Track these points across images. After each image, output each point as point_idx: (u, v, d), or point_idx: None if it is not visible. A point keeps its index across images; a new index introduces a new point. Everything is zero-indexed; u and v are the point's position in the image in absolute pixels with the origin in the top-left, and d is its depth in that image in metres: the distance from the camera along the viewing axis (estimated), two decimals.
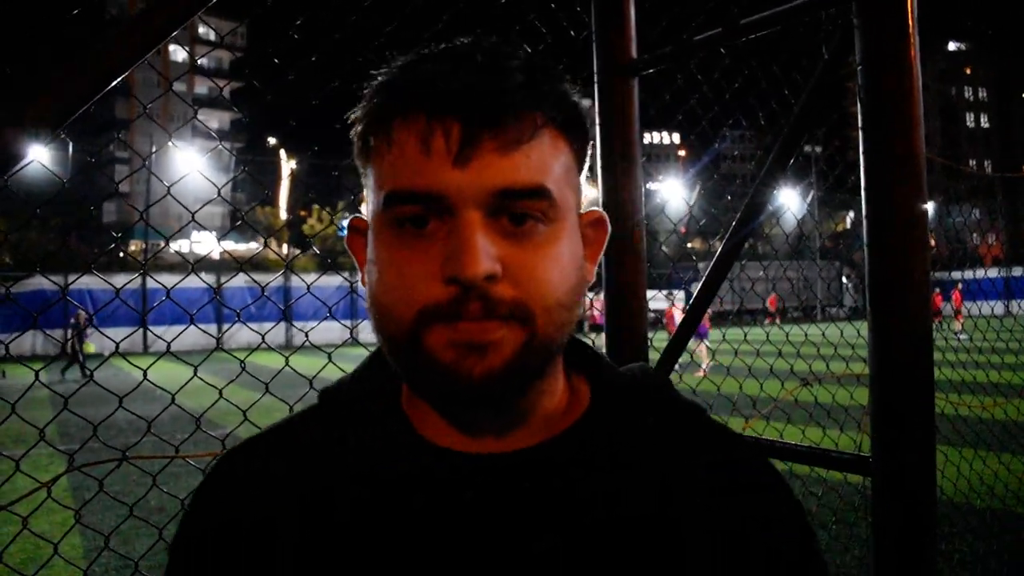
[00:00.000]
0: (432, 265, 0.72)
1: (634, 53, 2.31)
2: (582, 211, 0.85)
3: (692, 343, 14.27)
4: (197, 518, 0.85)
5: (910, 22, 1.71)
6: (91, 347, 20.85)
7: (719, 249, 2.31)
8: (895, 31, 1.70)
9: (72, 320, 21.62)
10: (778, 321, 35.79)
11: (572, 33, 2.53)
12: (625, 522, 0.77)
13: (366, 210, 0.81)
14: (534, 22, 2.58)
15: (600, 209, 0.87)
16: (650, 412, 0.86)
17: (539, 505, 0.77)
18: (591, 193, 0.91)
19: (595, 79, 2.32)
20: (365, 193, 0.81)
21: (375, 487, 0.78)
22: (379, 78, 0.78)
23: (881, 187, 1.70)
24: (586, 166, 0.84)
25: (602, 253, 0.87)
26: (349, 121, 0.81)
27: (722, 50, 2.35)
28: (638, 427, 0.84)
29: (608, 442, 0.82)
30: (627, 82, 2.30)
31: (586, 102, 0.83)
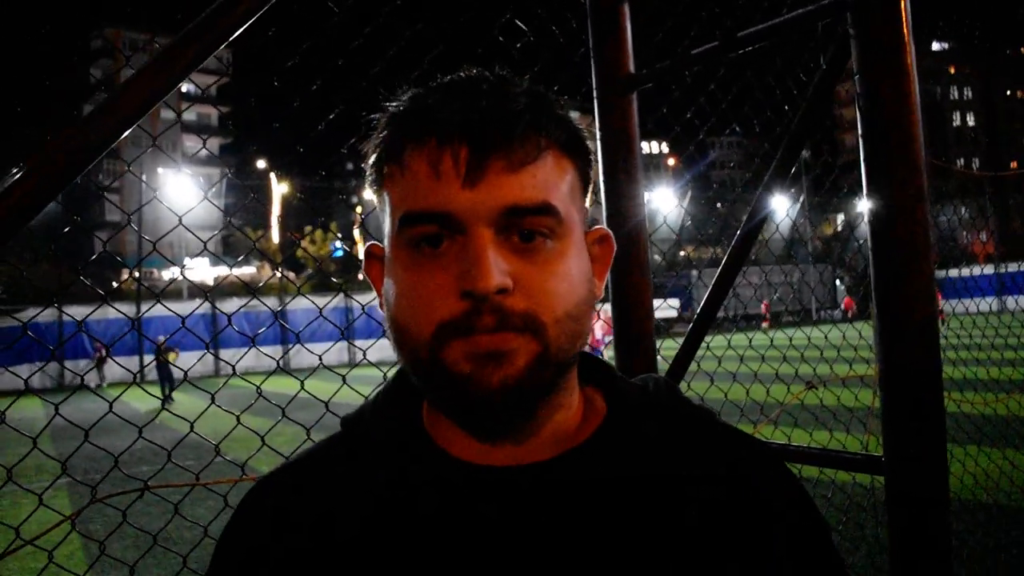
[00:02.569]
0: (447, 282, 0.75)
1: (632, 68, 2.34)
2: (588, 229, 0.88)
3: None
4: (229, 554, 0.87)
5: (905, 31, 1.75)
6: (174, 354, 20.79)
7: (725, 257, 2.35)
8: (891, 40, 1.74)
9: (95, 354, 21.99)
10: (765, 325, 35.88)
11: (570, 50, 2.57)
12: (645, 532, 0.79)
13: (384, 235, 0.84)
14: (532, 41, 2.62)
15: (605, 227, 0.90)
16: (664, 421, 0.89)
17: (560, 518, 0.79)
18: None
19: (595, 95, 2.35)
20: (381, 219, 0.84)
21: (401, 510, 0.80)
22: (390, 109, 0.82)
23: (883, 192, 1.74)
24: (591, 187, 0.88)
25: (609, 269, 0.90)
26: (362, 152, 0.85)
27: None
28: (653, 437, 0.86)
29: (625, 454, 0.84)
30: (626, 97, 2.33)
31: (583, 119, 0.88)
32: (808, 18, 1.99)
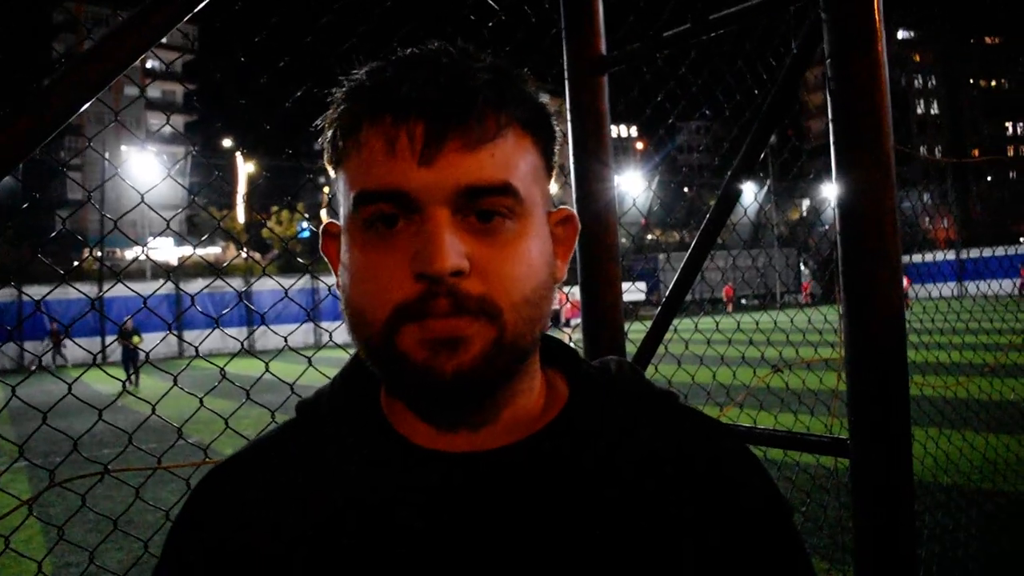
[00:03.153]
0: (402, 263, 0.74)
1: (604, 50, 2.33)
2: (552, 209, 0.86)
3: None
4: (182, 542, 0.84)
5: (876, 16, 1.75)
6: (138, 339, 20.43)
7: (694, 240, 2.35)
8: (862, 25, 1.74)
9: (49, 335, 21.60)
10: (729, 309, 36.28)
11: (542, 31, 2.55)
12: (609, 515, 0.79)
13: (340, 214, 0.82)
14: (504, 21, 2.59)
15: (569, 207, 0.89)
16: (626, 404, 0.88)
17: (519, 504, 0.78)
18: (553, 189, 0.93)
19: (566, 76, 2.34)
20: (337, 197, 0.82)
21: (359, 497, 0.79)
22: (347, 84, 0.80)
23: (852, 177, 1.75)
24: (555, 166, 0.86)
25: (573, 250, 0.89)
26: (318, 127, 0.82)
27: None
28: (615, 421, 0.86)
29: (588, 437, 0.83)
30: (597, 79, 2.32)
31: (544, 98, 0.85)
32: (780, 2, 1.99)
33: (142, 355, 18.90)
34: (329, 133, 0.81)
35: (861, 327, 1.74)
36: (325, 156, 0.82)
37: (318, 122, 0.82)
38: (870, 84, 1.75)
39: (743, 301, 42.31)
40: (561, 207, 0.89)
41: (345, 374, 0.90)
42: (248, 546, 0.80)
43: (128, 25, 1.33)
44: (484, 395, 0.79)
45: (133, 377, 19.20)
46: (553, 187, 0.91)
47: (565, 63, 2.33)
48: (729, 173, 2.23)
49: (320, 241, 0.88)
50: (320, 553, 0.78)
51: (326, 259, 0.87)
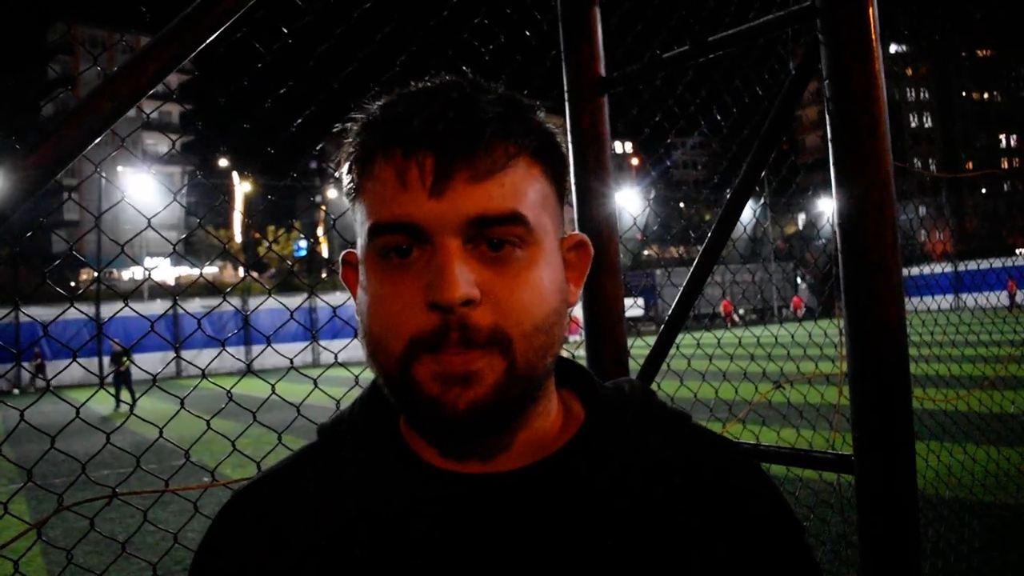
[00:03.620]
0: (416, 293, 0.75)
1: (603, 71, 2.36)
2: (564, 235, 0.88)
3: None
4: (204, 566, 0.86)
5: (873, 37, 1.78)
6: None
7: (697, 256, 2.37)
8: (860, 46, 1.77)
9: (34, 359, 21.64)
10: (729, 325, 36.25)
11: (543, 52, 2.58)
12: (618, 526, 0.80)
13: (358, 244, 0.84)
14: (505, 43, 2.62)
15: (581, 233, 0.90)
16: (641, 425, 0.89)
17: (537, 525, 0.79)
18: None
19: (566, 97, 2.36)
20: (356, 229, 0.84)
21: (373, 510, 0.81)
22: (360, 118, 0.82)
23: (852, 194, 1.77)
24: (567, 192, 0.88)
25: (587, 274, 0.90)
26: (335, 161, 0.85)
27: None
28: (630, 440, 0.87)
29: (603, 457, 0.84)
30: (597, 100, 2.35)
31: (554, 118, 0.87)
32: (777, 24, 2.02)
33: (139, 375, 18.83)
34: (345, 167, 0.83)
35: (863, 342, 1.76)
36: (343, 188, 0.84)
37: (334, 156, 0.86)
38: (868, 103, 1.77)
39: (739, 314, 42.34)
40: (573, 233, 0.90)
41: (365, 399, 0.92)
42: (266, 563, 0.81)
43: (145, 55, 1.35)
44: (498, 426, 0.80)
45: (128, 397, 19.01)
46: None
47: (565, 84, 2.36)
48: (730, 193, 2.25)
49: (340, 270, 0.90)
50: (333, 563, 0.79)
51: (346, 286, 0.89)
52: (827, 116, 1.83)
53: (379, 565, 0.78)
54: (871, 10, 1.81)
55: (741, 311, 41.38)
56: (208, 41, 1.41)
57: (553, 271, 0.81)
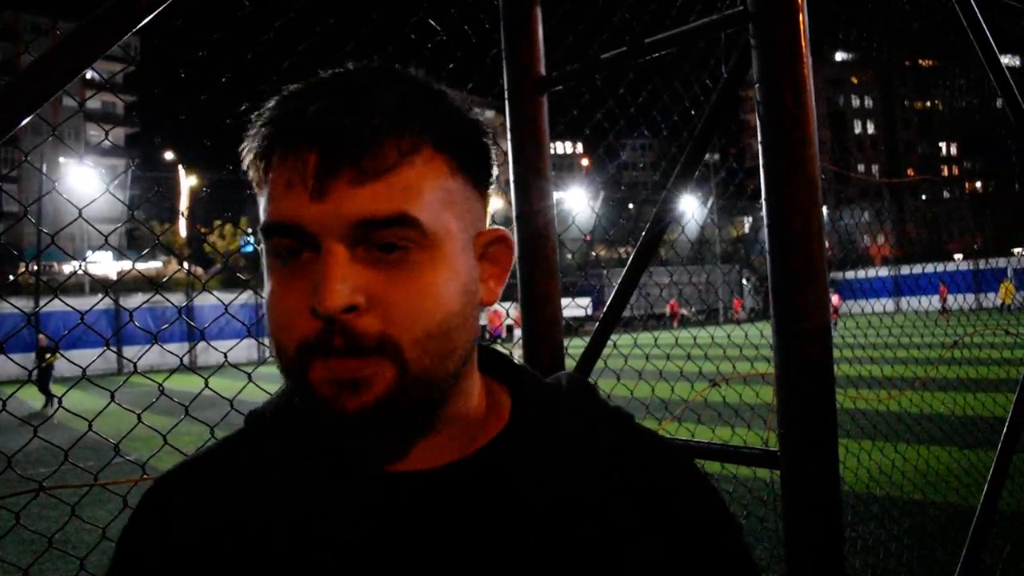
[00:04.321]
0: (304, 298, 0.72)
1: (543, 70, 2.37)
2: (485, 228, 0.84)
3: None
4: (129, 553, 0.84)
5: (803, 42, 1.82)
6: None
7: (632, 256, 2.40)
8: (789, 51, 1.81)
9: None
10: (676, 324, 36.57)
11: (483, 51, 2.59)
12: (547, 524, 0.79)
13: None
14: (445, 41, 2.62)
15: (502, 228, 0.85)
16: (574, 420, 0.88)
17: (454, 516, 0.78)
18: (498, 205, 0.92)
19: (506, 96, 2.38)
20: None
21: (295, 517, 0.79)
22: (261, 111, 0.78)
23: (781, 198, 1.81)
24: (490, 181, 0.84)
25: (509, 271, 0.86)
26: (239, 152, 0.80)
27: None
28: (560, 437, 0.85)
29: (528, 455, 0.83)
30: (537, 99, 2.36)
31: (489, 114, 0.84)
32: (712, 27, 2.05)
33: (76, 371, 18.29)
34: (245, 161, 0.79)
35: (791, 346, 1.80)
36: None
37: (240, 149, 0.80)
38: (797, 109, 1.81)
39: (693, 310, 42.75)
40: (492, 227, 0.85)
41: (290, 389, 0.89)
42: (191, 554, 0.80)
43: (68, 42, 1.33)
44: (397, 429, 0.78)
45: (52, 398, 18.25)
46: (498, 202, 0.90)
47: (505, 83, 2.37)
48: (664, 191, 2.29)
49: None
50: (245, 556, 0.78)
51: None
52: (758, 120, 1.87)
53: (290, 563, 0.77)
54: (801, 16, 1.85)
55: (694, 308, 41.81)
56: (129, 33, 1.39)
57: (457, 272, 0.77)
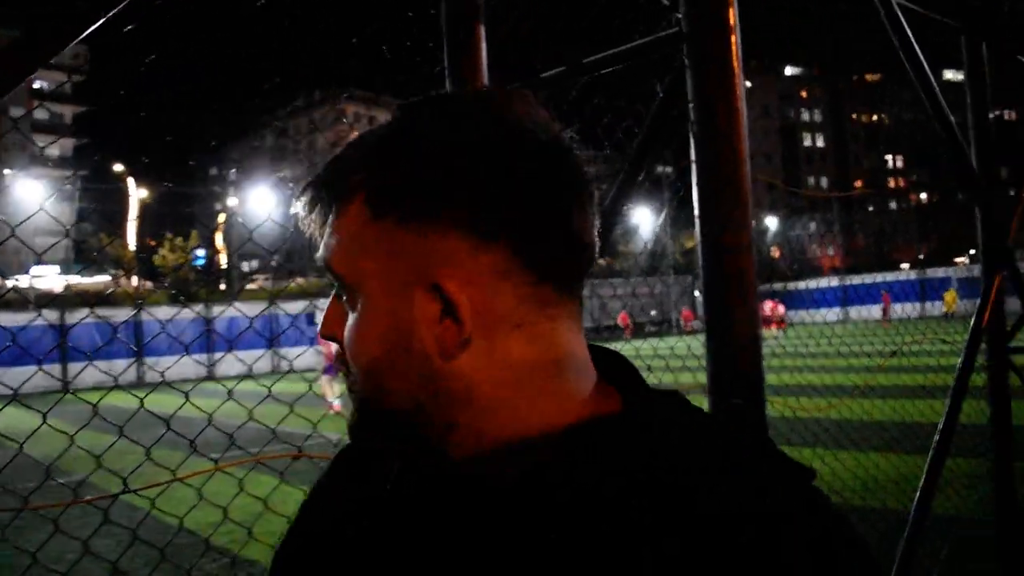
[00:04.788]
0: None
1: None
2: (446, 268, 0.75)
3: (322, 379, 13.57)
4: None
5: (735, 64, 1.89)
6: None
7: None
8: (721, 73, 1.87)
9: None
10: (628, 335, 36.46)
11: (427, 67, 2.62)
12: (572, 529, 0.71)
13: None
14: (387, 58, 2.65)
15: (462, 267, 0.76)
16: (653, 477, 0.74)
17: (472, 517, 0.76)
18: None
19: None
20: None
21: (393, 512, 0.82)
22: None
23: (713, 215, 1.87)
24: (439, 216, 0.74)
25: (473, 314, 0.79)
26: None
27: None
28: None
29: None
30: None
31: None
32: (648, 48, 2.12)
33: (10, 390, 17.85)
34: None
35: (722, 351, 1.86)
36: None
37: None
38: (728, 129, 1.87)
39: (649, 317, 42.93)
40: (450, 268, 0.77)
41: None
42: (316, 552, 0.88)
43: (10, 51, 1.34)
44: (384, 442, 0.83)
45: None
46: None
47: None
48: (603, 206, 2.34)
49: None
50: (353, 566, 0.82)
51: None
52: (691, 138, 1.93)
53: (386, 561, 0.79)
54: (734, 37, 1.92)
55: (646, 318, 42.02)
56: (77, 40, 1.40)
57: (377, 319, 0.76)
